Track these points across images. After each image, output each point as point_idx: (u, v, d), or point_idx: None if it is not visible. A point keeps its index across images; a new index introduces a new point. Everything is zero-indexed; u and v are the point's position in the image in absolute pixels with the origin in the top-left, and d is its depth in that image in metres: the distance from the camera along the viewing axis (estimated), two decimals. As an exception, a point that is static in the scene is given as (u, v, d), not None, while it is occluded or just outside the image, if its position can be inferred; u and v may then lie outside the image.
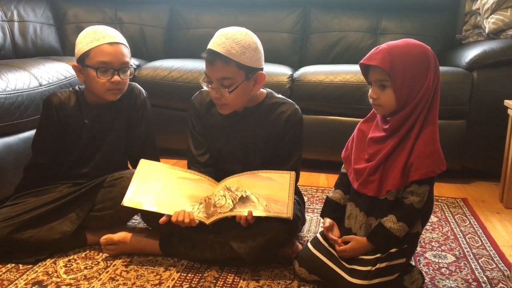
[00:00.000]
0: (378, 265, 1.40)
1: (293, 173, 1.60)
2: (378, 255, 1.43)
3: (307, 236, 1.84)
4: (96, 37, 1.67)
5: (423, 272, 1.56)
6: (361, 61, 1.43)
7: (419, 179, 1.39)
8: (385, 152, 1.42)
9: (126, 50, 1.72)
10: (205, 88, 1.63)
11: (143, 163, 1.67)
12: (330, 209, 1.57)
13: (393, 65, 1.36)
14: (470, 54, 2.57)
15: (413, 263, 1.61)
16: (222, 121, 1.70)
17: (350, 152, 1.54)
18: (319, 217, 1.74)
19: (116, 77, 1.68)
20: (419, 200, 1.41)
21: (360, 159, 1.49)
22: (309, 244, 1.54)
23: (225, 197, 1.58)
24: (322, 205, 1.60)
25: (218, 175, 1.71)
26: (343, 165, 1.58)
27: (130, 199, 1.56)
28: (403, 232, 1.42)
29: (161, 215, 1.55)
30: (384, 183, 1.43)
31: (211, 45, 1.57)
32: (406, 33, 3.00)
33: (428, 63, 1.38)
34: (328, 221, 1.54)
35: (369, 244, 1.45)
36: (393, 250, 1.42)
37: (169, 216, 1.54)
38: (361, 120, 1.56)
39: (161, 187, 1.62)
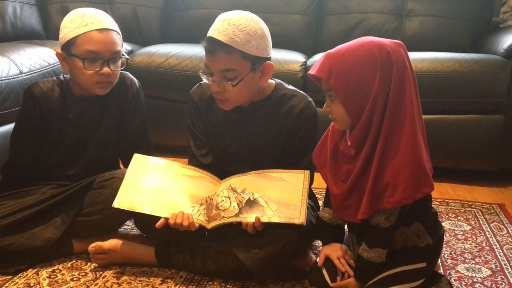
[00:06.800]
0: (395, 270, 1.39)
1: (307, 172, 1.60)
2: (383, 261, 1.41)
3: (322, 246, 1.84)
4: (84, 22, 1.67)
5: (451, 282, 1.56)
6: (309, 72, 1.39)
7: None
8: (355, 174, 1.37)
9: (117, 38, 1.73)
10: (205, 80, 1.63)
11: (137, 158, 1.68)
12: (325, 231, 1.54)
13: (331, 72, 1.31)
14: (509, 39, 2.55)
15: (442, 272, 1.61)
16: (226, 118, 1.71)
17: (325, 157, 1.47)
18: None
19: (105, 69, 1.68)
20: (386, 218, 1.36)
21: (334, 176, 1.44)
22: (318, 260, 1.53)
23: (229, 199, 1.58)
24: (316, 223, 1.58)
25: (222, 177, 1.71)
26: None
27: (122, 200, 1.57)
28: (384, 255, 1.39)
29: (157, 218, 1.56)
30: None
31: (212, 32, 1.57)
32: (436, 15, 2.95)
33: (374, 64, 1.29)
34: (322, 256, 1.50)
35: (361, 283, 1.41)
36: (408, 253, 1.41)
37: (167, 219, 1.54)
38: None
39: (157, 186, 1.62)
